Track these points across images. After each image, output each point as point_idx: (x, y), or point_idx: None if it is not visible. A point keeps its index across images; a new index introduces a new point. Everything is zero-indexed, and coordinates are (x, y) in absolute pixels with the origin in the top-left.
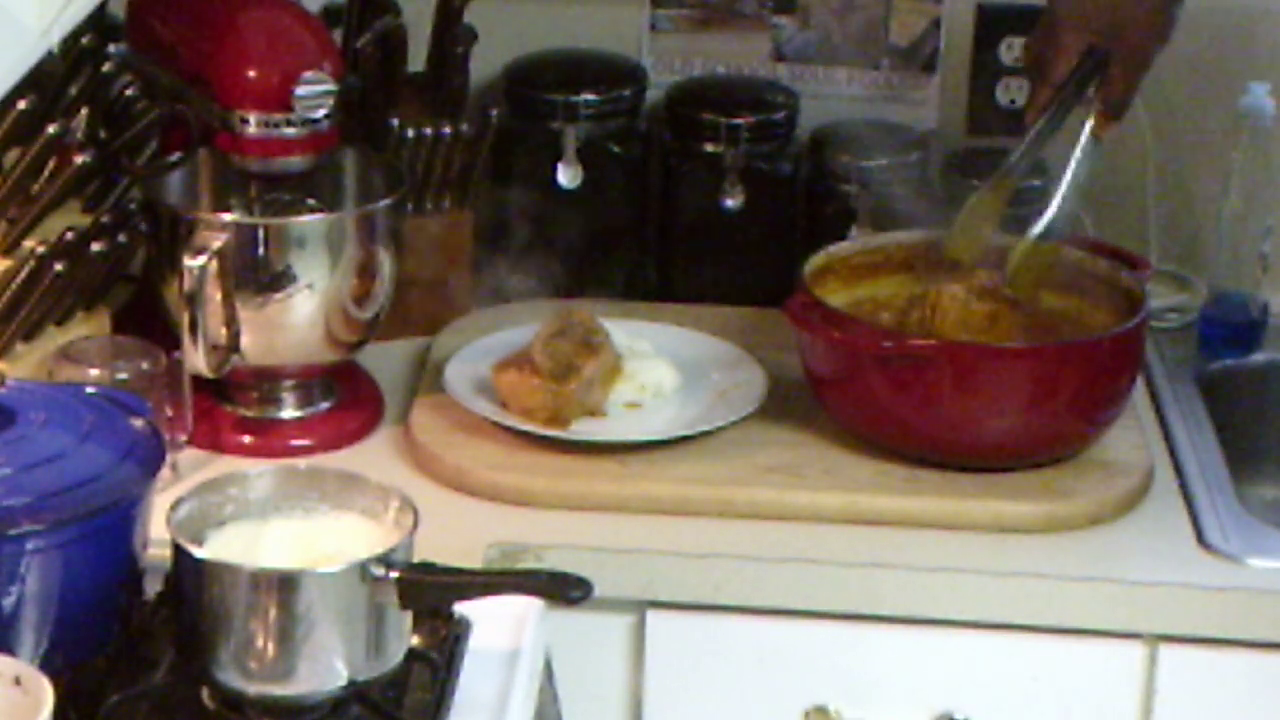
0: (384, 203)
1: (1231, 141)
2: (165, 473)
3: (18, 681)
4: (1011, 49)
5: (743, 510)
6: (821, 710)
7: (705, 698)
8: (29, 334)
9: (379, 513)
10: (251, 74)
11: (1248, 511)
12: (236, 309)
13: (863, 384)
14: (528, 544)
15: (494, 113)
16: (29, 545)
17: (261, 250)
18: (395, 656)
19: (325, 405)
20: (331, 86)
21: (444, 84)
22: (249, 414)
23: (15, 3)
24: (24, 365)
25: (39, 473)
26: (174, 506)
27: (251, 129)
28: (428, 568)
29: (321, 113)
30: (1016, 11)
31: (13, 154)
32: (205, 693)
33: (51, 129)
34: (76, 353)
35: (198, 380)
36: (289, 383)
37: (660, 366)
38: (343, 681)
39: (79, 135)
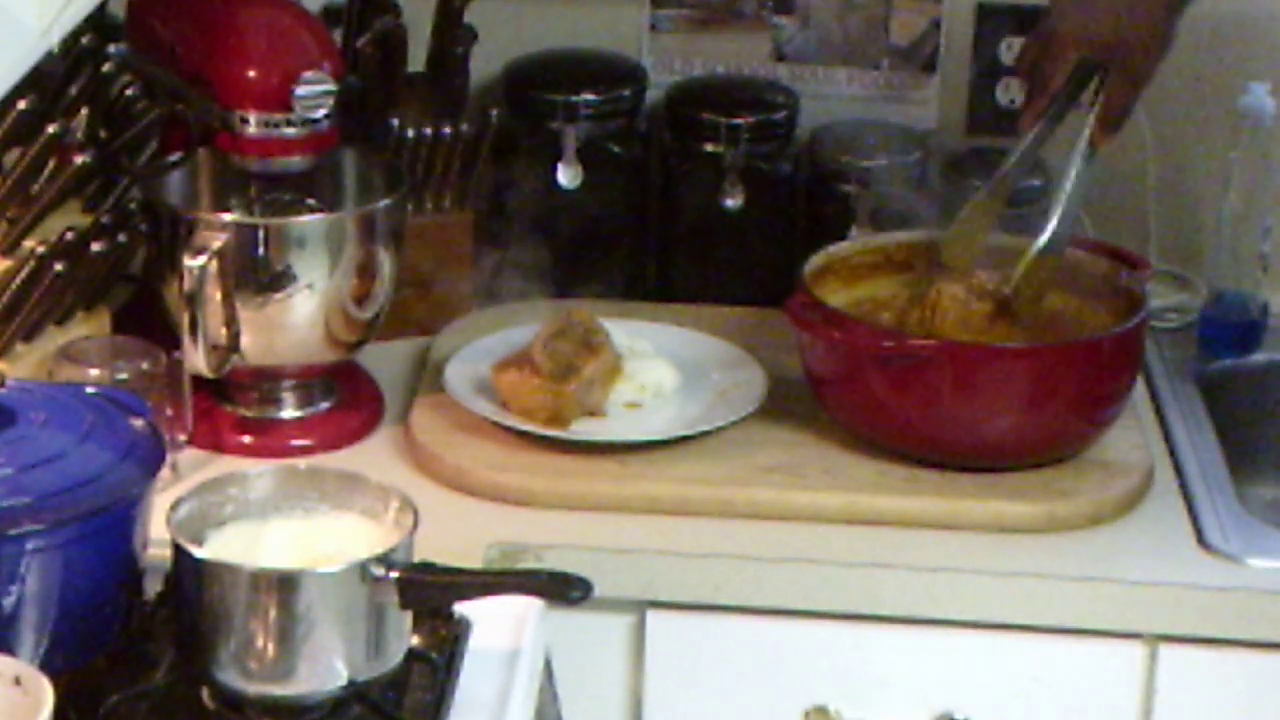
0: (384, 203)
1: (1231, 141)
2: (165, 473)
3: (18, 681)
4: (1011, 49)
5: (743, 510)
6: (821, 710)
7: (705, 698)
8: (29, 334)
9: (379, 513)
10: (251, 74)
11: (1248, 511)
12: (236, 309)
13: (863, 384)
14: (528, 544)
15: (494, 113)
16: (29, 545)
17: (261, 250)
18: (395, 656)
19: (325, 405)
20: (331, 86)
21: (444, 84)
22: (249, 414)
23: (15, 3)
24: (24, 365)
25: (39, 473)
26: (174, 506)
27: (251, 129)
28: (428, 568)
29: (321, 113)
30: (1016, 11)
31: (13, 154)
32: (205, 693)
33: (51, 129)
34: (76, 353)
35: (198, 380)
36: (289, 383)
37: (660, 366)
38: (343, 681)
39: (79, 135)
